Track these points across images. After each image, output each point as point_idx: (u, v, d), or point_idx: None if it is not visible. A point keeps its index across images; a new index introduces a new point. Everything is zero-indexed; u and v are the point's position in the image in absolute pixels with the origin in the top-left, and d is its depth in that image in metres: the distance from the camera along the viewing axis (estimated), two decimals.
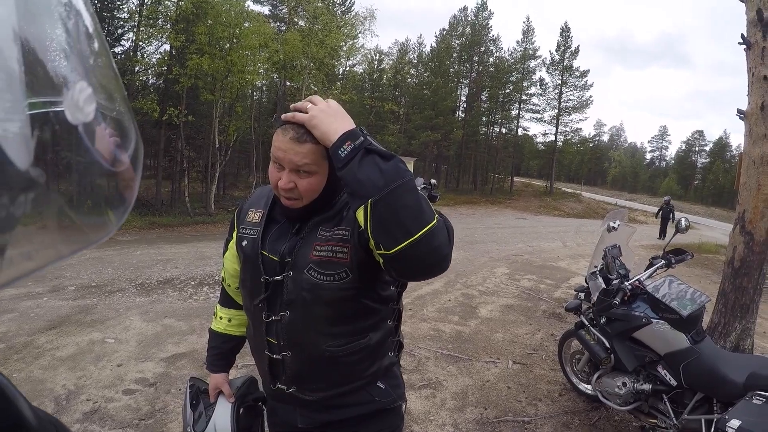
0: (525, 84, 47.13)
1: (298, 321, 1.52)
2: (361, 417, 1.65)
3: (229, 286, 1.89)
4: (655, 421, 3.52)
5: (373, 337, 1.59)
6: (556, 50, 47.08)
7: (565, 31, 46.80)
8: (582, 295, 4.28)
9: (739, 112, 5.32)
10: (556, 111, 47.25)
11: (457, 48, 47.54)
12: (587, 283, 4.18)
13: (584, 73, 46.67)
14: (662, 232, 21.61)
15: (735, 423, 2.48)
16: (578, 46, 46.93)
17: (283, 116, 1.41)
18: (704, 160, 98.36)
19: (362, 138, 1.27)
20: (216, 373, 1.89)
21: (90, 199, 0.50)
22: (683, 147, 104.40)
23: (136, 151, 0.53)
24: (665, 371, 3.39)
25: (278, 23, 31.81)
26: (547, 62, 47.60)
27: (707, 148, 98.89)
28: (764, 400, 2.70)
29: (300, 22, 26.07)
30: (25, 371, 4.37)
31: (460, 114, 48.33)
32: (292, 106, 1.41)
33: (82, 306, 6.38)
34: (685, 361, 3.26)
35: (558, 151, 48.51)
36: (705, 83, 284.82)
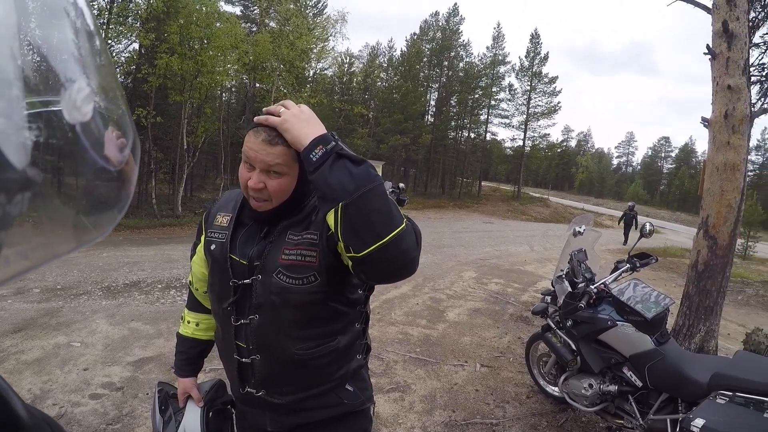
0: (494, 89, 47.64)
1: (267, 324, 1.53)
2: (330, 420, 1.65)
3: (197, 290, 1.88)
4: (622, 421, 3.57)
5: (341, 340, 1.60)
6: (526, 56, 47.80)
7: (535, 38, 47.49)
8: (548, 298, 4.33)
9: (704, 120, 5.45)
10: (525, 116, 47.83)
11: (428, 53, 47.74)
12: (554, 287, 4.23)
13: (553, 80, 47.42)
14: (627, 238, 21.95)
15: (699, 422, 2.53)
16: (548, 52, 47.84)
17: (255, 119, 1.42)
18: (670, 166, 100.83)
19: (334, 143, 1.29)
20: (184, 377, 1.88)
21: (87, 198, 0.50)
22: (650, 153, 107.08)
23: (134, 150, 0.53)
24: (631, 372, 3.44)
25: (249, 24, 31.58)
26: (517, 68, 48.29)
27: (673, 154, 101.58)
28: (727, 399, 2.76)
29: (271, 24, 25.91)
30: None
31: (429, 118, 48.55)
32: (264, 109, 1.42)
33: (47, 309, 6.23)
34: (650, 363, 3.31)
35: (526, 156, 49.14)
36: (672, 91, 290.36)
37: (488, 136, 50.90)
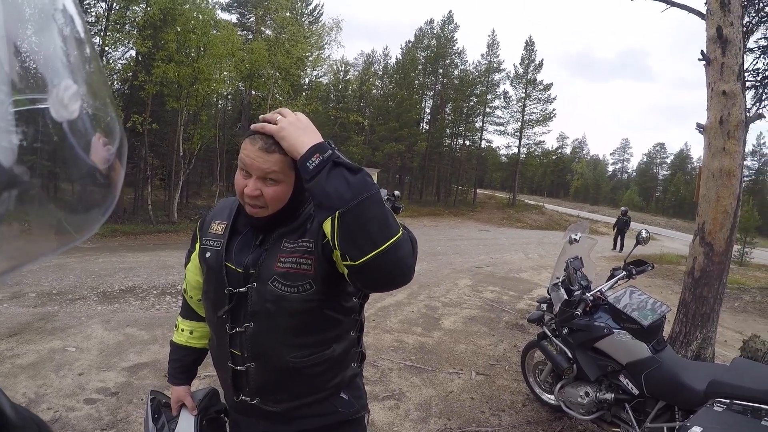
0: (489, 97, 47.61)
1: (262, 332, 1.52)
2: (325, 428, 1.65)
3: (191, 297, 1.87)
4: (618, 429, 3.57)
5: (336, 348, 1.60)
6: (520, 64, 47.85)
7: (530, 45, 47.58)
8: (544, 306, 4.32)
9: (699, 126, 5.46)
10: (520, 124, 47.87)
11: (423, 60, 47.76)
12: (549, 295, 4.23)
13: (548, 87, 47.48)
14: (616, 242, 21.97)
15: (696, 430, 2.52)
16: (542, 59, 47.86)
17: (252, 126, 1.42)
18: (665, 172, 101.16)
19: (330, 151, 1.29)
20: (178, 385, 1.86)
21: (74, 197, 0.50)
22: (645, 159, 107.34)
23: (121, 154, 0.53)
24: (627, 380, 3.44)
25: (245, 32, 31.67)
26: (511, 75, 48.33)
27: (668, 161, 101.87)
28: (725, 407, 2.75)
29: (267, 32, 25.96)
30: None
31: (425, 126, 48.52)
32: (261, 117, 1.42)
33: (42, 313, 6.23)
34: (647, 370, 3.31)
35: (521, 164, 49.11)
36: (667, 97, 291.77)
37: (483, 144, 50.93)
